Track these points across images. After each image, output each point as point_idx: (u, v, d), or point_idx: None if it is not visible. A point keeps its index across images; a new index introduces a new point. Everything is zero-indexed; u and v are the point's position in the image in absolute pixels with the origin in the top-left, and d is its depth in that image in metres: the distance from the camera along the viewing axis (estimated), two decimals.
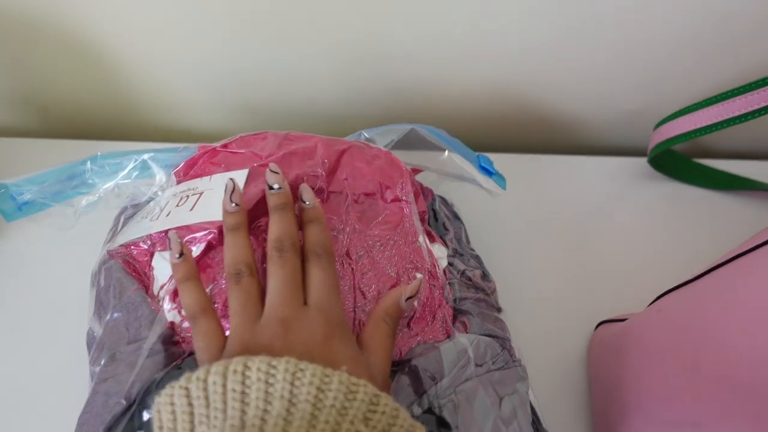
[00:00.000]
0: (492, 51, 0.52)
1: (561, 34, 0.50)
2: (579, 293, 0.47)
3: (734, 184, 0.55)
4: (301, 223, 0.32)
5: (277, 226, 0.30)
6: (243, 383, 0.23)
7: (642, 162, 0.56)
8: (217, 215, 0.33)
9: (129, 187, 0.40)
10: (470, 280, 0.35)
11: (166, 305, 0.31)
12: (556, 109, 0.58)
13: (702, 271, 0.35)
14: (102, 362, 0.30)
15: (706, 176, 0.56)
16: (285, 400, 0.22)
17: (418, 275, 0.32)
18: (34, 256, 0.48)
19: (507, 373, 0.32)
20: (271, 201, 0.31)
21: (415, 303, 0.31)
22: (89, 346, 0.34)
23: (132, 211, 0.40)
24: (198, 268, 0.32)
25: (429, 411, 0.29)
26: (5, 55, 0.54)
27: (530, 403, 0.32)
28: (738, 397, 0.28)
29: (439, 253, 0.36)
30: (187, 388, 0.24)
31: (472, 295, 0.34)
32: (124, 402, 0.28)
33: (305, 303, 0.28)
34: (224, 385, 0.23)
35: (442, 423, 0.29)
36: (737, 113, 0.45)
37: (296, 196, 0.32)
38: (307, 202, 0.32)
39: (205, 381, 0.24)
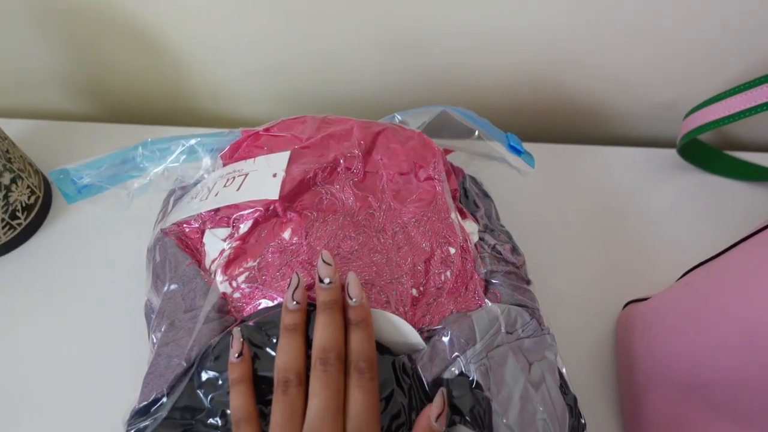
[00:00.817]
0: (527, 43, 0.53)
1: (596, 27, 0.51)
2: (607, 276, 0.48)
3: (761, 175, 0.56)
4: (345, 321, 0.30)
5: (324, 332, 0.29)
6: None
7: (671, 153, 0.57)
8: (262, 194, 0.35)
9: (177, 170, 0.43)
10: (500, 254, 0.37)
11: (218, 277, 0.34)
12: (588, 100, 0.59)
13: (728, 246, 0.36)
14: (162, 329, 0.33)
15: (734, 167, 0.57)
16: None
17: (443, 390, 0.30)
18: (93, 236, 0.51)
19: (536, 341, 0.34)
20: (321, 296, 0.30)
21: (445, 420, 0.29)
22: (147, 316, 0.37)
23: (180, 193, 0.43)
24: (245, 245, 0.35)
25: (462, 374, 0.31)
26: (72, 44, 0.57)
27: (558, 370, 0.34)
28: (758, 357, 0.29)
29: (471, 228, 0.38)
30: None
31: (503, 268, 0.36)
32: (184, 363, 0.31)
33: (344, 428, 0.27)
34: None
35: (475, 385, 0.31)
36: (764, 100, 0.45)
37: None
38: (354, 299, 0.30)
39: None
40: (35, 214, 0.49)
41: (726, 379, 0.31)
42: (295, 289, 0.30)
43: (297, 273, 0.31)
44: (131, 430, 0.30)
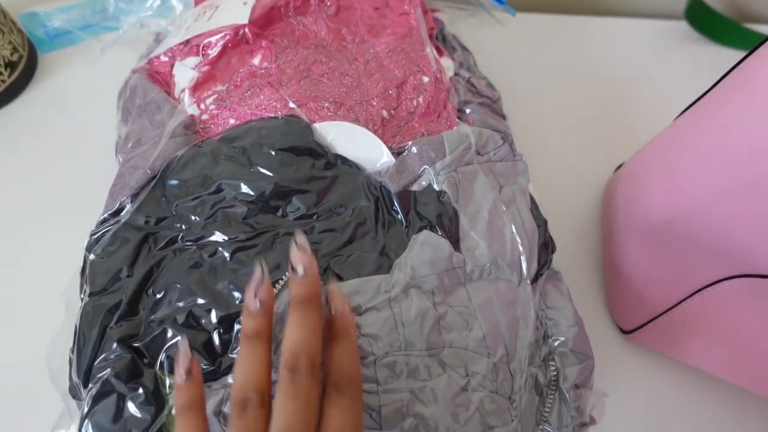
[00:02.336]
0: None
1: None
2: (602, 145, 0.47)
3: None
4: (325, 334, 0.24)
5: (294, 332, 0.23)
6: None
7: (679, 25, 0.56)
8: (233, 19, 0.34)
9: (152, 23, 0.42)
10: (475, 87, 0.36)
11: (187, 99, 0.33)
12: None
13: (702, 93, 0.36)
14: (129, 146, 0.33)
15: (744, 38, 0.55)
16: None
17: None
18: (80, 98, 0.50)
19: (508, 165, 0.33)
20: (294, 290, 0.24)
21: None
22: (117, 152, 0.37)
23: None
24: (214, 69, 0.34)
25: (431, 186, 0.31)
26: None
27: (530, 194, 0.33)
28: (735, 172, 0.29)
29: (446, 64, 0.37)
30: None
31: (477, 99, 0.35)
32: (149, 172, 0.31)
33: None
34: None
35: (442, 195, 0.30)
36: None
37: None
38: (334, 310, 0.24)
39: None
40: (20, 73, 0.48)
41: (704, 208, 0.31)
42: (259, 284, 0.24)
43: (261, 262, 0.24)
44: (96, 234, 0.30)
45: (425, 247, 0.29)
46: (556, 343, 0.31)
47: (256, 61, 0.34)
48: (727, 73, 0.34)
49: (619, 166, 0.44)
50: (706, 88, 0.35)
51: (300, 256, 0.24)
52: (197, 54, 0.35)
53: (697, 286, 0.35)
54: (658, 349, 0.37)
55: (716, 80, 0.35)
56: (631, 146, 0.46)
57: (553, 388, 0.30)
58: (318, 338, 0.23)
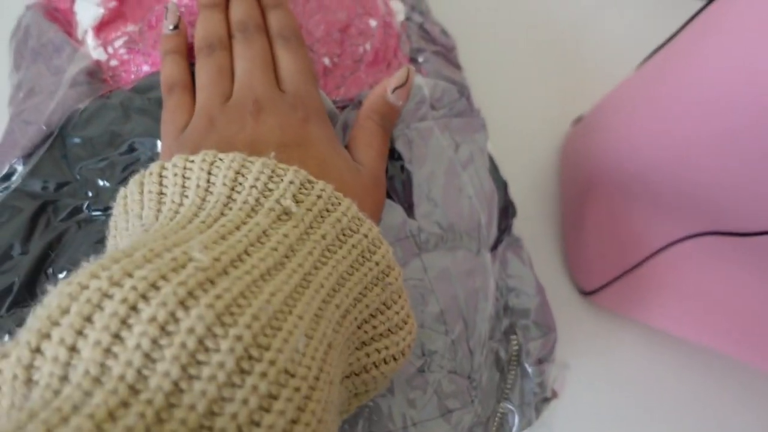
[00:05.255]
0: None
1: None
2: (558, 96, 0.44)
3: None
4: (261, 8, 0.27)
5: (237, 9, 0.26)
6: (160, 184, 0.20)
7: None
8: None
9: None
10: (428, 33, 0.32)
11: (90, 41, 0.28)
12: None
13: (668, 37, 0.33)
14: (20, 96, 0.27)
15: None
16: (201, 189, 0.19)
17: (410, 68, 0.27)
18: None
19: (465, 121, 0.30)
20: None
21: (406, 94, 0.26)
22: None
23: None
24: (123, 6, 0.29)
25: None
26: None
27: (489, 154, 0.30)
28: (707, 122, 0.27)
29: (397, 7, 0.33)
30: (141, 183, 0.21)
31: (431, 48, 0.32)
32: (44, 128, 0.25)
33: (278, 87, 0.25)
34: (142, 185, 0.21)
35: (393, 155, 0.27)
36: None
37: None
38: None
39: (141, 184, 0.21)
40: None
41: (671, 161, 0.29)
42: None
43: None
44: None
45: None
46: (517, 316, 0.29)
47: None
48: (695, 16, 0.32)
49: (577, 119, 0.42)
50: (671, 31, 0.33)
51: None
52: None
53: (662, 244, 0.33)
54: (620, 311, 0.36)
55: (683, 23, 0.32)
56: (588, 96, 0.43)
57: (515, 363, 0.28)
58: (258, 11, 0.27)
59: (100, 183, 0.25)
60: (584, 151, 0.36)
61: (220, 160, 0.20)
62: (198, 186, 0.19)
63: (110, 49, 0.28)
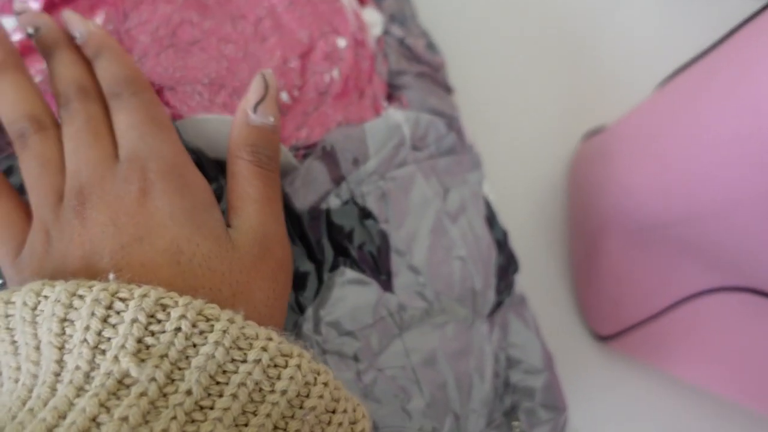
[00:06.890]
0: None
1: None
2: (568, 113, 0.38)
3: None
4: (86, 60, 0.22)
5: (55, 75, 0.21)
6: None
7: None
8: None
9: None
10: (411, 50, 0.27)
11: None
12: None
13: (697, 55, 0.28)
14: None
15: None
16: (31, 349, 0.15)
17: (265, 72, 0.21)
18: None
19: (455, 159, 0.25)
20: (38, 47, 0.22)
21: (274, 105, 0.21)
22: None
23: None
24: None
25: (351, 201, 0.22)
26: None
27: (484, 198, 0.25)
28: (755, 173, 0.21)
29: (372, 18, 0.27)
30: None
31: (414, 69, 0.26)
32: None
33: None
34: None
35: (366, 215, 0.22)
36: None
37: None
38: (78, 35, 0.22)
39: None
40: None
41: (710, 214, 0.24)
42: None
43: None
44: None
45: (344, 293, 0.21)
46: (520, 395, 0.24)
47: (99, 20, 0.24)
48: (736, 29, 0.26)
49: (588, 134, 0.36)
50: (704, 46, 0.27)
51: (25, 18, 0.22)
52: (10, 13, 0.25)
53: (687, 294, 0.29)
54: (637, 357, 0.32)
55: (719, 37, 0.27)
56: (600, 114, 0.38)
57: None
58: (78, 66, 0.21)
59: None
60: (597, 182, 0.31)
61: (45, 297, 0.15)
62: (26, 344, 0.15)
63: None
